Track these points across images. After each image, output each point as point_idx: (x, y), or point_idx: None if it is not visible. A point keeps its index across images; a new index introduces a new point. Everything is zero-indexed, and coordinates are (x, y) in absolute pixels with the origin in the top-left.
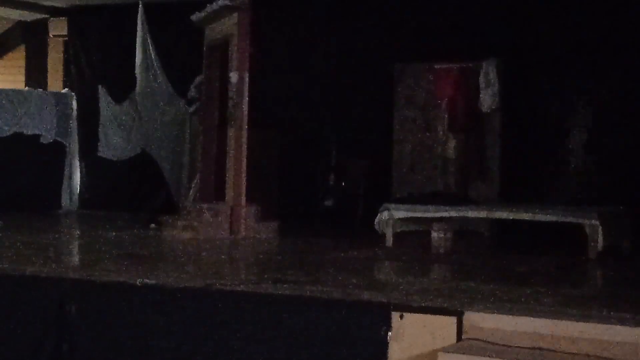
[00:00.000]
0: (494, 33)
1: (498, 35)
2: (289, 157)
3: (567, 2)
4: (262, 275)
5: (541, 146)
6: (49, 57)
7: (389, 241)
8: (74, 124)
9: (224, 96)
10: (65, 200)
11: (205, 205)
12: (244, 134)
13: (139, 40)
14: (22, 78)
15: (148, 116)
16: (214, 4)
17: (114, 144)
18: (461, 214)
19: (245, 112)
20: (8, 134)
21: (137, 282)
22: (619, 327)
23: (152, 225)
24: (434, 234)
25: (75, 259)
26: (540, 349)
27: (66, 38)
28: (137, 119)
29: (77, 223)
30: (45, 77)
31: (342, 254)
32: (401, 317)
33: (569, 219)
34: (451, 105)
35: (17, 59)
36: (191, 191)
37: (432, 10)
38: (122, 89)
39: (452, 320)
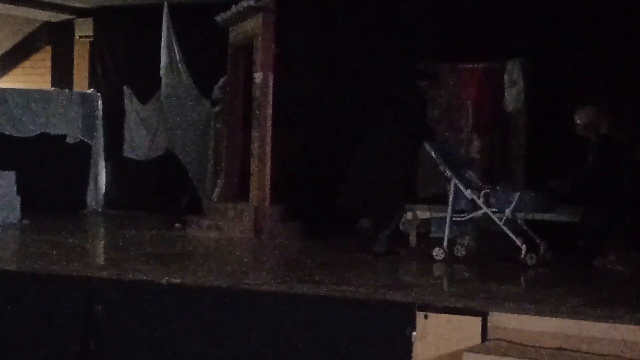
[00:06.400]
0: (519, 33)
1: (523, 35)
2: (313, 157)
3: (592, 1)
4: (287, 275)
5: (566, 147)
6: (75, 58)
7: (413, 241)
8: (99, 124)
9: (248, 97)
10: (90, 200)
11: (229, 205)
12: (268, 134)
13: (164, 41)
14: (49, 78)
15: (173, 116)
16: (239, 5)
17: (139, 144)
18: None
19: (270, 113)
20: (34, 134)
21: (163, 281)
22: None
23: (177, 224)
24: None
25: (102, 258)
26: (565, 349)
27: (92, 39)
28: (162, 119)
29: (103, 223)
30: (71, 78)
31: (366, 254)
32: (426, 317)
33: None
34: (476, 106)
35: (44, 59)
36: (216, 191)
37: (456, 10)
38: (148, 89)
39: (477, 320)
